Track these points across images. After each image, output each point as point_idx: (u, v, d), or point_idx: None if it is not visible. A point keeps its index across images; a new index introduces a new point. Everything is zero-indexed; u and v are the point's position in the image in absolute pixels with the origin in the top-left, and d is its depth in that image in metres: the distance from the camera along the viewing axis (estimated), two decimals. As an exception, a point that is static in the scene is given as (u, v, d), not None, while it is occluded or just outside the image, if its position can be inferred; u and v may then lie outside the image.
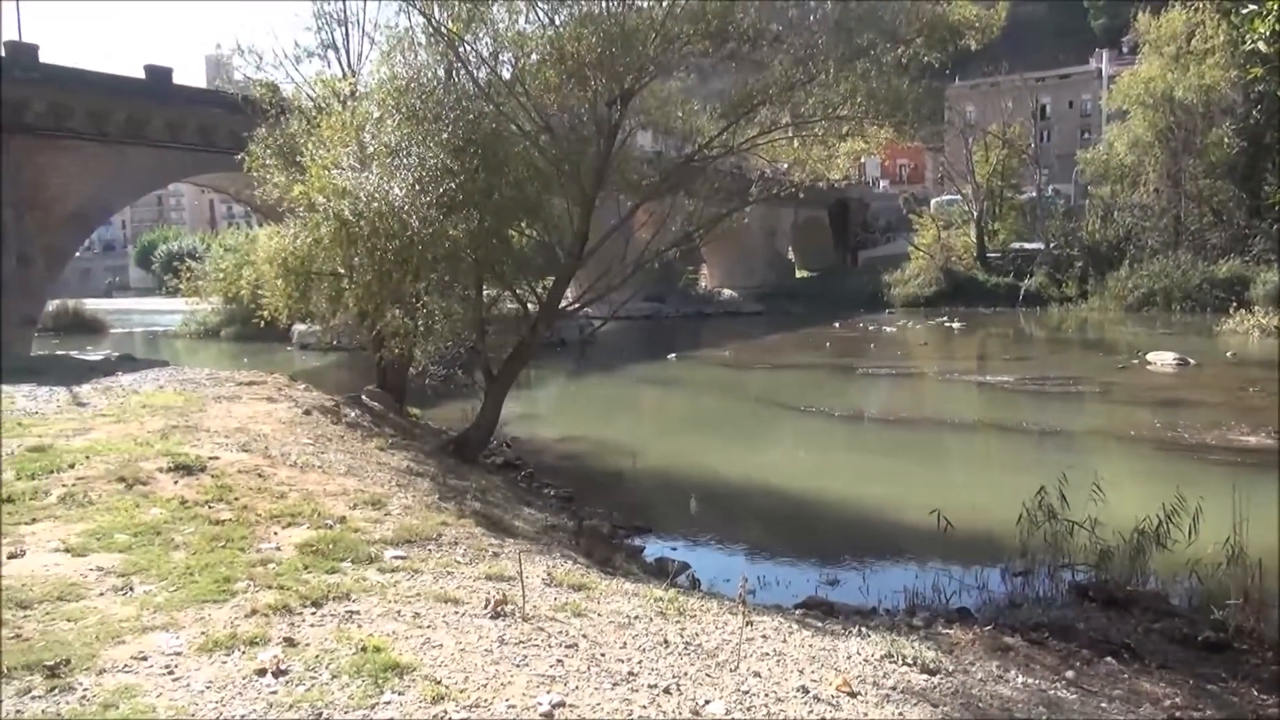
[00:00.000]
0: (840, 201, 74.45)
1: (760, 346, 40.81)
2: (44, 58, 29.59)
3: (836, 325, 49.45)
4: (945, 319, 51.85)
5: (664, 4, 13.69)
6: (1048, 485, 10.17)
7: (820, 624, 7.14)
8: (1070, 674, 6.69)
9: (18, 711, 4.00)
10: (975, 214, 65.22)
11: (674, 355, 36.35)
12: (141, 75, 32.95)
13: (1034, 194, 70.28)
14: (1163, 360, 30.04)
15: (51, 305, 41.82)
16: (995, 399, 25.26)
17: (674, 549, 12.04)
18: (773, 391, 28.06)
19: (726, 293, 66.58)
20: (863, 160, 18.26)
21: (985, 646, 7.04)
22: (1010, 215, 68.09)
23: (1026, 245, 64.13)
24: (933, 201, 75.53)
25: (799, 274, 77.01)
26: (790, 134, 15.20)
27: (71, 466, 8.68)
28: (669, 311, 55.14)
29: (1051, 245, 60.88)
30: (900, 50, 13.48)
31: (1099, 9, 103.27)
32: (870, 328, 48.76)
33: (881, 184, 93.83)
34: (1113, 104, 62.27)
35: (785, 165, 16.45)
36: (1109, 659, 7.25)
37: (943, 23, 13.72)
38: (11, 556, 6.21)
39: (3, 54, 28.83)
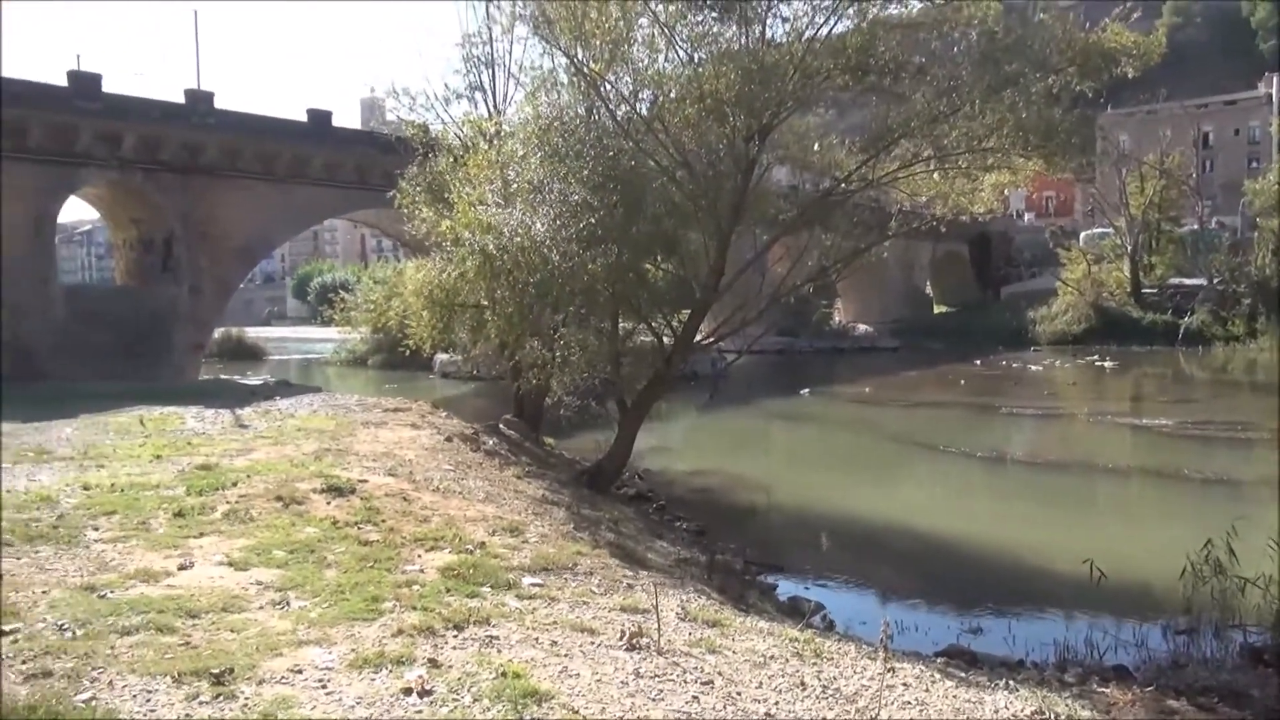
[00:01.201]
0: (982, 235, 72.08)
1: (896, 383, 39.78)
2: (218, 103, 31.99)
3: (977, 363, 47.73)
4: (1096, 358, 49.31)
5: (803, 39, 13.69)
6: (1214, 538, 9.49)
7: (964, 674, 6.84)
8: (1243, 744, 6.19)
9: (187, 715, 4.25)
10: (1129, 248, 61.94)
11: (807, 391, 35.85)
12: (304, 119, 35.13)
13: (1195, 226, 66.26)
14: (1345, 406, 27.64)
15: (217, 333, 44.74)
16: (1152, 443, 23.80)
17: (807, 588, 11.81)
18: (909, 430, 27.26)
19: (861, 328, 65.32)
20: (1006, 193, 17.57)
21: (1146, 709, 6.60)
22: (1168, 249, 64.31)
23: (1186, 281, 60.38)
24: (1082, 235, 72.20)
25: (937, 309, 74.88)
26: (932, 167, 14.87)
27: (234, 485, 9.25)
28: (802, 346, 54.49)
29: (1215, 281, 57.13)
30: (1051, 79, 13.03)
31: (1267, 31, 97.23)
32: (1014, 366, 46.84)
33: (1026, 217, 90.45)
34: (1285, 130, 58.29)
35: (925, 198, 16.10)
36: (1288, 731, 6.67)
37: (1097, 50, 13.21)
38: (181, 568, 6.65)
39: (183, 100, 31.33)
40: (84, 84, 28.28)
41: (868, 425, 28.92)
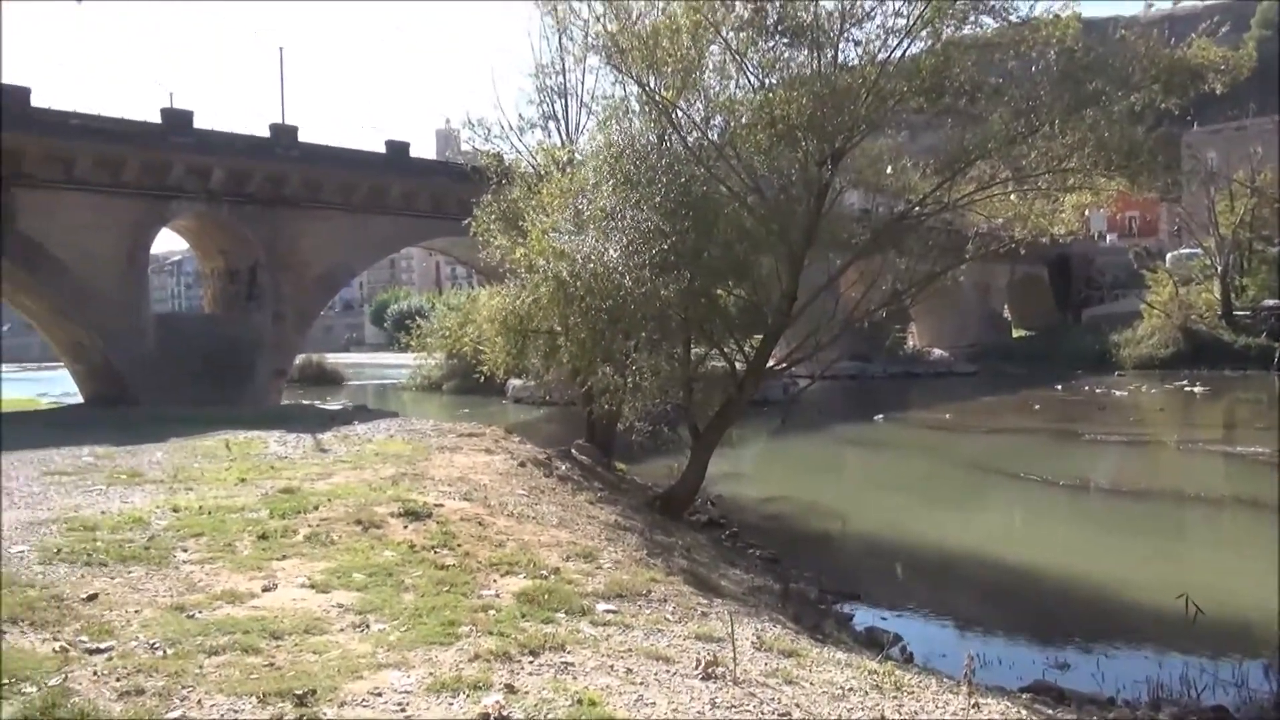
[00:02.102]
0: (1061, 256, 70.38)
1: (974, 409, 38.88)
2: (301, 137, 33.08)
3: (1058, 387, 46.42)
4: (1185, 382, 47.51)
5: (876, 62, 13.59)
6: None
7: (1051, 711, 6.62)
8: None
9: (272, 735, 4.34)
10: (1219, 268, 59.75)
11: (881, 416, 35.29)
12: (383, 150, 36.10)
13: (1290, 246, 63.61)
14: None
15: (299, 359, 45.97)
16: (1248, 473, 22.78)
17: (885, 618, 11.56)
18: (988, 457, 26.59)
19: (937, 352, 64.10)
20: (1087, 213, 17.09)
21: (1248, 752, 6.28)
22: (1261, 270, 61.82)
23: (1282, 302, 57.99)
24: (1168, 256, 69.90)
25: (1015, 333, 73.16)
26: (1010, 188, 14.59)
27: (315, 508, 9.46)
28: (875, 371, 53.72)
29: (1313, 302, 54.75)
30: (1134, 97, 12.70)
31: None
32: (1097, 390, 45.42)
33: (1108, 238, 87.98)
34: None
35: (1003, 220, 15.80)
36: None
37: (1182, 66, 12.84)
38: (265, 589, 6.81)
39: (268, 134, 32.49)
40: (176, 120, 29.53)
41: (945, 451, 28.31)
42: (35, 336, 34.79)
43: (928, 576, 14.29)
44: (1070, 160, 13.06)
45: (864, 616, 11.52)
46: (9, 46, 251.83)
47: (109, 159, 27.56)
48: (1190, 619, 9.76)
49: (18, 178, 25.79)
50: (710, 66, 14.32)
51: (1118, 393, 44.57)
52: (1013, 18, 13.41)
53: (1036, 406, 38.30)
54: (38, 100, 26.53)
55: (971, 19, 13.55)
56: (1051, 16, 13.28)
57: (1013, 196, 14.85)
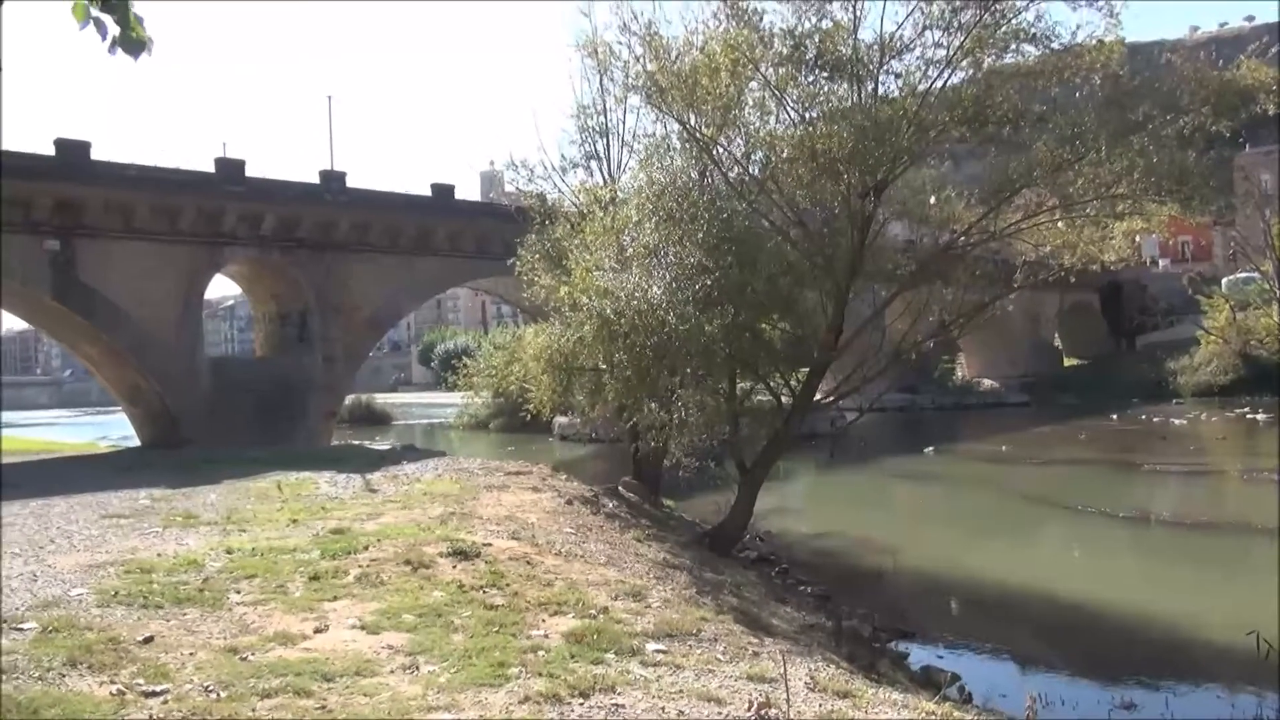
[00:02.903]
0: (1112, 284, 69.04)
1: (1027, 440, 38.11)
2: (350, 182, 33.79)
3: (1114, 417, 45.39)
4: (1247, 410, 46.21)
5: (917, 93, 13.57)
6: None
7: (1118, 754, 6.38)
8: None
9: (323, 779, 4.33)
10: (1278, 292, 58.28)
11: (931, 449, 34.75)
12: (428, 193, 36.73)
13: (1351, 268, 61.84)
14: None
15: (348, 399, 46.62)
16: (1317, 502, 21.99)
17: (941, 657, 11.30)
18: (1043, 488, 26.01)
19: (987, 382, 63.13)
20: (1138, 239, 16.78)
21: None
22: (1322, 293, 60.20)
23: (1347, 326, 56.28)
24: (1224, 280, 68.35)
25: (1067, 362, 71.75)
26: (1057, 216, 14.41)
27: (366, 548, 9.52)
28: (924, 403, 53.02)
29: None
30: (1183, 121, 12.52)
31: None
32: (1154, 420, 44.31)
33: (1160, 263, 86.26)
34: None
35: (1051, 249, 15.58)
36: None
37: (1231, 88, 12.67)
38: (317, 630, 6.84)
39: (318, 181, 33.25)
40: (229, 170, 30.35)
41: (998, 484, 27.74)
42: (95, 381, 35.73)
43: (985, 612, 13.96)
44: (1119, 186, 12.89)
45: (920, 654, 11.26)
46: (72, 103, 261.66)
47: (165, 208, 28.39)
48: (1262, 656, 9.40)
49: (79, 229, 26.67)
50: (749, 103, 14.41)
51: (1176, 421, 43.45)
52: (1055, 45, 13.33)
53: (1091, 438, 37.47)
54: (98, 153, 27.48)
55: (1013, 48, 13.50)
56: (1095, 42, 13.17)
57: (1060, 224, 14.68)
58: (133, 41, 2.72)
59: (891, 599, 14.51)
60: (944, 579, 15.72)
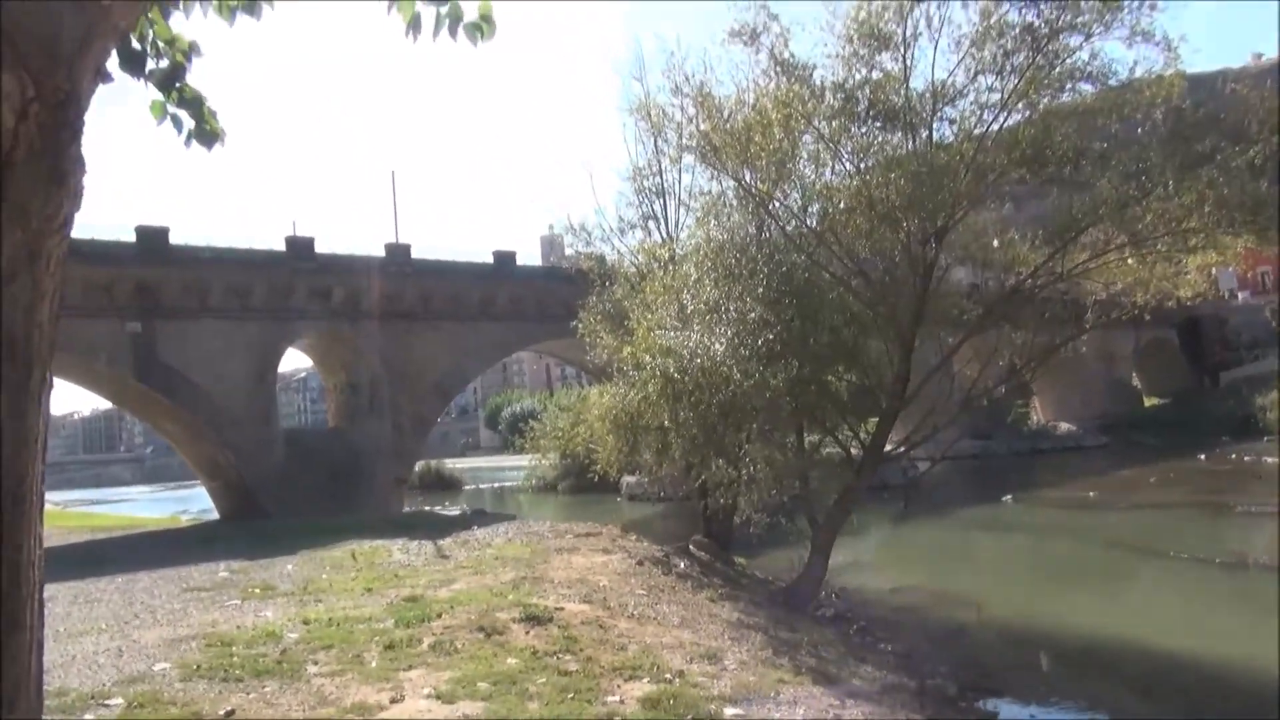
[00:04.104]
0: (1190, 319, 66.95)
1: (1109, 484, 36.81)
2: (414, 253, 34.69)
3: (1201, 457, 43.65)
4: (1344, 444, 44.09)
5: (973, 137, 13.49)
6: None
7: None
8: None
9: None
10: (1367, 320, 55.97)
11: (1009, 497, 33.73)
12: (490, 259, 37.45)
13: None
14: None
15: (418, 465, 47.16)
16: None
17: (1031, 715, 10.83)
18: (1131, 534, 25.01)
19: (1063, 426, 61.35)
20: (1214, 272, 16.34)
21: None
22: None
23: None
24: (1309, 310, 65.85)
25: (1147, 401, 69.52)
26: (1127, 254, 14.08)
27: (439, 616, 9.53)
28: (999, 449, 51.62)
29: None
30: (1252, 151, 12.21)
31: None
32: (1245, 459, 42.48)
33: (1240, 295, 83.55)
34: None
35: (1122, 286, 15.20)
36: None
37: (1302, 115, 12.32)
38: (393, 700, 6.84)
39: (384, 254, 34.18)
40: (299, 247, 31.42)
41: (1083, 531, 26.76)
42: (176, 457, 36.87)
43: (1076, 667, 13.37)
44: (1189, 220, 12.57)
45: (1008, 712, 10.81)
46: (152, 190, 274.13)
47: (239, 287, 29.45)
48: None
49: (159, 310, 27.76)
50: (803, 156, 14.45)
51: (1269, 460, 41.54)
52: (1112, 82, 13.17)
53: (1173, 478, 36.04)
54: (175, 237, 28.68)
55: (1069, 87, 13.37)
56: (1154, 77, 12.98)
57: (1130, 261, 14.32)
58: (207, 134, 2.84)
59: (976, 655, 13.98)
60: (1030, 633, 15.12)
